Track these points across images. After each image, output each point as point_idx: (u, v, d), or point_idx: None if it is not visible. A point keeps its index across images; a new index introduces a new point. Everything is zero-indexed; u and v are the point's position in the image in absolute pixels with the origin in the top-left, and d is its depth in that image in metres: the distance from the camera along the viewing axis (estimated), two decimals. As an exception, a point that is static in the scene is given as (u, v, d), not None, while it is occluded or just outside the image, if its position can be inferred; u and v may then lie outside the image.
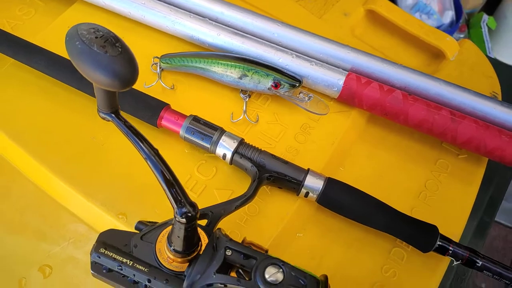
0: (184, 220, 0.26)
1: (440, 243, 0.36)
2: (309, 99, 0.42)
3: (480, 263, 0.36)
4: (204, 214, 0.34)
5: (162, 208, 0.37)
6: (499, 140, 0.39)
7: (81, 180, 0.39)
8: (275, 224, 0.38)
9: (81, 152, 0.41)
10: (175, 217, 0.27)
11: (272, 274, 0.26)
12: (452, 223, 0.41)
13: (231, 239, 0.29)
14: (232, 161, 0.39)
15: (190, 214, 0.26)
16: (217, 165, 0.41)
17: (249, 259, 0.28)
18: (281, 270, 0.26)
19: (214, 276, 0.27)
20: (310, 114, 0.44)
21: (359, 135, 0.45)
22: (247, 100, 0.43)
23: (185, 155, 0.41)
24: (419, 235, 0.37)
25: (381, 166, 0.43)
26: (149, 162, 0.27)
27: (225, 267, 0.28)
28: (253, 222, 0.39)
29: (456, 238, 0.41)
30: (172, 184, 0.26)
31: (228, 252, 0.28)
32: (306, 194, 0.38)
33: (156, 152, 0.27)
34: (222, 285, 0.26)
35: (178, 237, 0.28)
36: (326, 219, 0.40)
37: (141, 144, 0.27)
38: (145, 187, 0.40)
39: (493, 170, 0.45)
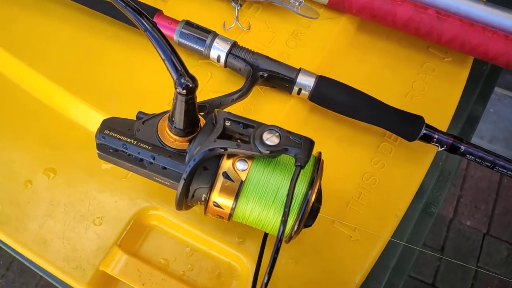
0: (184, 91, 0.28)
1: (425, 131, 0.38)
2: (299, 4, 0.43)
3: (463, 148, 0.38)
4: (202, 106, 0.35)
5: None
6: (483, 35, 0.41)
7: (79, 86, 0.40)
8: (269, 123, 0.40)
9: (78, 60, 0.41)
10: (175, 88, 0.28)
11: (269, 137, 0.28)
12: (438, 118, 0.43)
13: (229, 112, 0.30)
14: (226, 63, 0.40)
15: (190, 85, 0.28)
16: (212, 70, 0.42)
17: (247, 128, 0.29)
18: (277, 134, 0.28)
19: (215, 141, 0.28)
20: (301, 21, 0.45)
21: (349, 42, 0.46)
22: (238, 8, 0.44)
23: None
24: (406, 124, 0.39)
25: (370, 70, 0.45)
26: (148, 34, 0.28)
27: (225, 137, 0.29)
28: (249, 121, 0.40)
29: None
30: (171, 55, 0.28)
31: (227, 123, 0.29)
32: (299, 92, 0.40)
33: (154, 24, 0.28)
34: (223, 149, 0.28)
35: (179, 112, 0.29)
36: (319, 119, 0.42)
37: (139, 17, 0.28)
38: (144, 92, 0.41)
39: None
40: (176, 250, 0.38)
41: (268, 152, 0.27)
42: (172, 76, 0.28)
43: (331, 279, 0.37)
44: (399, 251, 0.42)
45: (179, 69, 0.28)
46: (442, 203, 1.48)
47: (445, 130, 0.44)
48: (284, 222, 0.26)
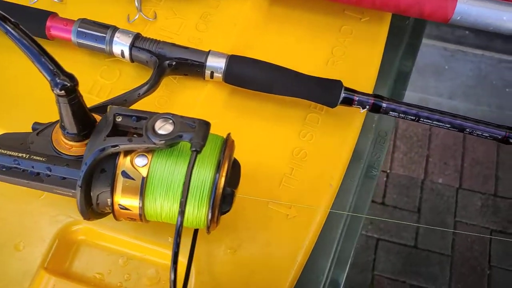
0: (63, 92, 0.26)
1: (345, 95, 0.37)
2: (201, -15, 0.41)
3: (385, 105, 0.37)
4: (102, 106, 0.33)
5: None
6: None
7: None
8: (187, 113, 0.38)
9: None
10: (53, 90, 0.26)
11: (162, 126, 0.26)
12: (363, 80, 0.42)
13: (121, 107, 0.28)
14: (131, 57, 0.38)
15: (67, 85, 0.26)
16: (120, 68, 0.40)
17: (140, 120, 0.27)
18: (170, 121, 0.27)
19: (104, 140, 0.26)
20: (209, 2, 0.43)
21: (263, 16, 0.44)
22: (140, -2, 0.42)
23: (86, 64, 0.40)
24: (325, 91, 0.37)
25: (288, 42, 0.43)
26: (10, 36, 0.25)
27: (120, 134, 0.28)
28: (166, 114, 0.38)
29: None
30: (40, 55, 0.25)
31: (118, 118, 0.27)
32: (212, 75, 0.38)
33: (16, 24, 0.25)
34: (114, 147, 0.26)
35: (66, 115, 0.27)
36: (240, 100, 0.40)
37: (-3, 19, 0.25)
38: (42, 100, 0.38)
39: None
40: (110, 262, 0.36)
41: (162, 142, 0.26)
42: (46, 78, 0.26)
43: (273, 261, 0.36)
44: (343, 221, 0.41)
45: (52, 68, 0.25)
46: (412, 165, 1.49)
47: (371, 90, 0.43)
48: (181, 213, 0.24)
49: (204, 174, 0.28)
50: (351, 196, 0.42)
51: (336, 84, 0.37)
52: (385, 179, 1.38)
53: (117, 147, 0.26)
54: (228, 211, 0.30)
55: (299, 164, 0.39)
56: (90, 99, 0.37)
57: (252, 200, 0.37)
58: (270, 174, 0.38)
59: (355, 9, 0.45)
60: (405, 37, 0.49)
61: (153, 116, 0.27)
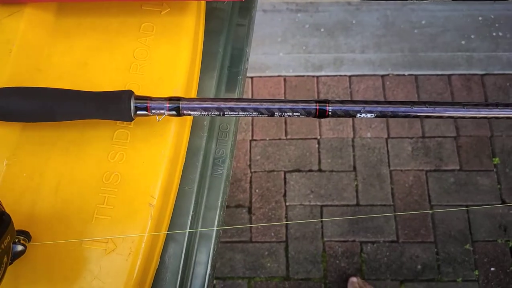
0: None
1: (137, 105, 0.33)
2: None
3: (185, 105, 0.34)
4: None
5: None
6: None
7: None
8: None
9: None
10: None
11: None
12: (175, 75, 0.38)
13: None
14: None
15: None
16: None
17: None
18: None
19: None
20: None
21: (50, 32, 0.39)
22: None
23: None
24: (114, 105, 0.33)
25: (83, 55, 0.39)
26: None
27: None
28: None
29: (189, 91, 0.39)
30: None
31: None
32: (-20, 117, 0.33)
33: None
34: None
35: None
36: (35, 136, 0.36)
37: None
38: None
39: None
40: None
41: None
42: None
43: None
44: (185, 236, 0.38)
45: None
46: (339, 126, 1.49)
47: (193, 84, 0.39)
48: None
49: None
50: (191, 204, 0.39)
51: (123, 95, 0.33)
52: (317, 145, 1.38)
53: None
54: (11, 263, 0.25)
55: (113, 190, 0.35)
56: None
57: (63, 245, 0.33)
58: (79, 210, 0.34)
59: (154, 3, 0.41)
60: (228, 19, 0.45)
61: None
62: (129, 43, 0.39)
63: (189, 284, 0.37)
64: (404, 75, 1.43)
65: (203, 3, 0.43)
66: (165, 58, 0.39)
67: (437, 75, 1.42)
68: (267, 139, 1.38)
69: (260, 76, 1.47)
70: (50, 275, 0.32)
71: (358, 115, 0.34)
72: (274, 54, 1.48)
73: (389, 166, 1.33)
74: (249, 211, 1.32)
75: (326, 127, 1.38)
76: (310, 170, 1.34)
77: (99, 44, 0.39)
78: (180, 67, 0.39)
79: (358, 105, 0.34)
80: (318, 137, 1.37)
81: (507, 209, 1.28)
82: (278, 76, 1.46)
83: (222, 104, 0.34)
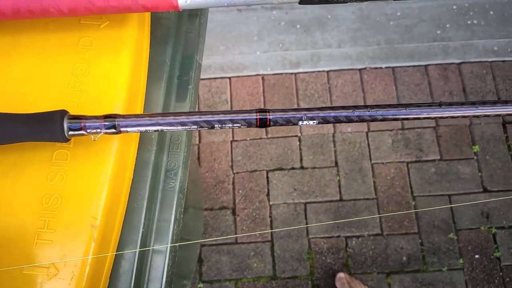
0: None
1: (70, 125, 0.32)
2: None
3: (120, 122, 0.33)
4: None
5: None
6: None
7: None
8: None
9: None
10: None
11: None
12: (113, 94, 0.37)
13: None
14: None
15: None
16: None
17: None
18: None
19: None
20: None
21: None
22: None
23: None
24: (46, 127, 0.32)
25: (20, 75, 0.38)
26: None
27: None
28: None
29: (133, 105, 0.39)
30: None
31: None
32: None
33: None
34: None
35: None
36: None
37: None
38: None
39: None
40: None
41: None
42: None
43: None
44: (135, 255, 0.37)
45: None
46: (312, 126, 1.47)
47: (139, 97, 0.38)
48: None
49: None
50: (141, 220, 0.38)
51: (55, 116, 0.32)
52: (298, 143, 1.38)
53: None
54: None
55: (53, 212, 0.34)
56: None
57: (5, 272, 0.32)
58: (20, 235, 0.33)
59: (92, 17, 0.40)
60: (174, 27, 0.44)
61: None
62: (68, 59, 0.38)
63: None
64: (381, 67, 1.43)
65: (147, 14, 0.42)
66: (105, 72, 0.38)
67: (414, 66, 1.43)
68: (248, 139, 1.38)
69: (238, 76, 1.46)
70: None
71: (300, 122, 0.34)
72: (251, 53, 1.47)
73: (370, 159, 1.33)
74: (233, 212, 1.31)
75: (306, 124, 1.38)
76: (292, 168, 1.33)
77: (37, 62, 0.38)
78: (120, 82, 0.38)
79: (299, 112, 0.34)
80: (299, 135, 1.37)
81: (489, 196, 1.29)
82: (256, 75, 1.45)
83: (160, 120, 0.33)
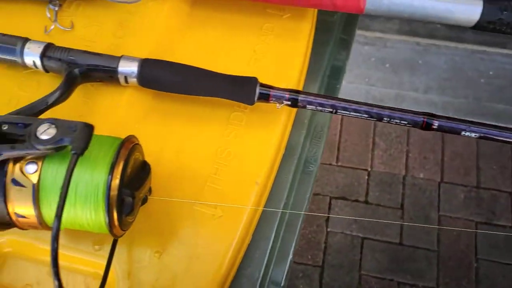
0: None
1: (261, 91, 0.37)
2: (117, -8, 0.41)
3: (301, 98, 0.37)
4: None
5: None
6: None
7: None
8: (108, 119, 0.38)
9: None
10: None
11: (45, 131, 0.26)
12: (287, 75, 0.42)
13: (9, 115, 0.28)
14: (44, 67, 0.38)
15: None
16: (38, 79, 0.40)
17: (27, 127, 0.27)
18: (54, 126, 0.26)
19: (-13, 150, 0.26)
20: (127, 8, 0.43)
21: (184, 20, 0.44)
22: (57, 9, 0.42)
23: (2, 77, 0.40)
24: (240, 88, 0.37)
25: (210, 44, 0.43)
26: None
27: (8, 142, 0.27)
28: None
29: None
30: None
31: (4, 127, 0.27)
32: (126, 80, 0.38)
33: None
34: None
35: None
36: (163, 105, 0.40)
37: None
38: None
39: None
40: (37, 272, 0.36)
41: (44, 147, 0.25)
42: None
43: (200, 263, 0.35)
44: (278, 218, 0.41)
45: None
46: (392, 162, 1.48)
47: (298, 86, 0.43)
48: (58, 217, 0.24)
49: (98, 177, 0.27)
50: (285, 192, 0.42)
51: (251, 81, 0.37)
52: (366, 177, 1.38)
53: (1, 155, 0.26)
54: (131, 213, 0.29)
55: (224, 164, 0.38)
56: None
57: (177, 203, 0.36)
58: (194, 175, 0.38)
59: (277, 7, 0.45)
60: (334, 32, 0.49)
61: (37, 121, 0.27)
62: (251, 39, 0.43)
63: (271, 266, 0.39)
64: (465, 121, 1.41)
65: (315, 14, 0.47)
66: (282, 57, 0.43)
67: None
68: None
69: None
70: (161, 229, 0.36)
71: (463, 133, 0.36)
72: (337, 82, 1.51)
73: (438, 210, 1.30)
74: (289, 230, 1.32)
75: (378, 160, 1.38)
76: (356, 200, 1.33)
77: (225, 37, 0.44)
78: (294, 67, 0.42)
79: (463, 124, 0.36)
80: (369, 169, 1.37)
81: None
82: (337, 103, 1.48)
83: (336, 103, 0.37)
